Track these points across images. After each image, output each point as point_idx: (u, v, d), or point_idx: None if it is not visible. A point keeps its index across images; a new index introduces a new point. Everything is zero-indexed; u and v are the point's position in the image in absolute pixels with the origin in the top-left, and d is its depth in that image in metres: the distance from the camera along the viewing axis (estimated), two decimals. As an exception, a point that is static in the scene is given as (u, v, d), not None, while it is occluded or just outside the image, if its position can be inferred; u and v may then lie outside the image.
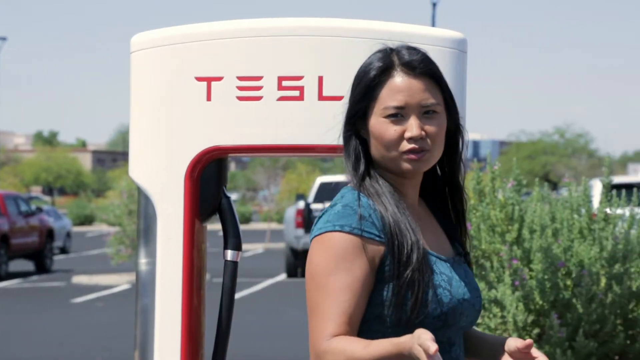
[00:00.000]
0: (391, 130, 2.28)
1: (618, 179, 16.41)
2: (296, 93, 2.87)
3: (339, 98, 2.86)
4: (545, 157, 61.67)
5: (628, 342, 5.14)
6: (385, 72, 2.31)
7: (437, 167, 2.39)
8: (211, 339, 2.94)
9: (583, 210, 5.32)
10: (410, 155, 2.28)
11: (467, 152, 2.43)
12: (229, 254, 2.92)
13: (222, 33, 2.91)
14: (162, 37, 2.92)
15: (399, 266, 2.23)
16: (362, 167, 2.32)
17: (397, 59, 2.31)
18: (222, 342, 2.93)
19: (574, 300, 5.05)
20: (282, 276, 19.64)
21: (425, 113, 2.29)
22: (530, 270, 5.15)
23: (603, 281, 5.09)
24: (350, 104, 2.35)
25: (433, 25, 24.43)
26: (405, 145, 2.28)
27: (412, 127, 2.27)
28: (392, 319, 2.24)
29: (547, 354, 4.98)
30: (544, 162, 61.07)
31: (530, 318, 5.03)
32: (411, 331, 2.15)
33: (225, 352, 2.94)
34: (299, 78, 2.87)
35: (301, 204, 19.28)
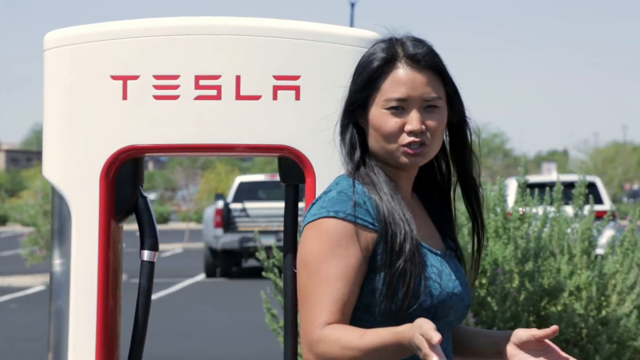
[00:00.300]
0: (392, 122, 2.26)
1: (532, 179, 16.71)
2: (214, 92, 2.86)
3: (257, 97, 2.85)
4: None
5: (542, 339, 5.23)
6: (388, 63, 2.28)
7: (442, 162, 2.39)
8: (127, 340, 2.91)
9: (498, 210, 5.39)
10: (409, 148, 2.26)
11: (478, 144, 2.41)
12: (146, 254, 2.90)
13: (138, 31, 2.88)
14: (76, 35, 2.89)
15: (391, 255, 2.20)
16: (357, 155, 2.30)
17: (401, 50, 2.29)
18: (138, 343, 2.90)
19: (488, 299, 5.12)
20: (201, 276, 19.54)
21: (426, 107, 2.27)
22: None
23: (517, 279, 5.17)
24: (351, 93, 2.32)
25: (351, 25, 24.53)
26: (405, 138, 2.26)
27: (413, 120, 2.25)
28: (382, 309, 2.21)
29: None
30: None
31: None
32: (400, 322, 2.13)
33: (141, 354, 2.91)
34: (217, 77, 2.86)
35: (220, 204, 19.20)
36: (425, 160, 2.30)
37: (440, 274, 2.25)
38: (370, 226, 2.21)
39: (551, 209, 5.57)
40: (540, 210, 5.55)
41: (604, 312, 5.29)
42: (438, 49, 2.33)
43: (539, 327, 5.21)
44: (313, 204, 2.26)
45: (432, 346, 1.98)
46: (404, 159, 2.27)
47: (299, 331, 2.24)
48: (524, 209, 5.37)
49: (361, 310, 2.22)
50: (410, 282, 2.19)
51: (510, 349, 2.27)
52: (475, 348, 2.39)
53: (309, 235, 2.22)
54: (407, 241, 2.21)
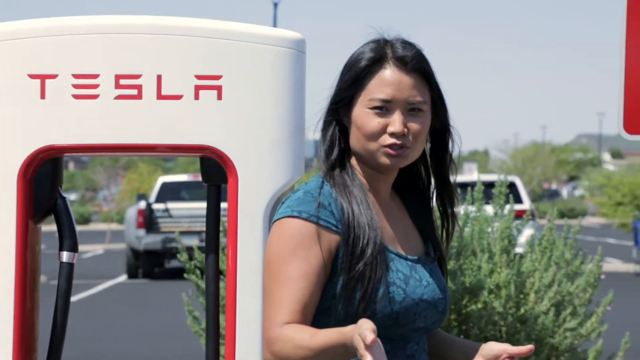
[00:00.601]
0: (374, 122, 2.25)
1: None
2: (134, 92, 2.83)
3: (178, 97, 2.83)
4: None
5: (462, 336, 5.28)
6: (376, 63, 2.28)
7: (421, 166, 2.39)
8: (46, 343, 2.87)
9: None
10: (389, 150, 2.25)
11: (457, 151, 2.41)
12: (64, 256, 2.86)
13: (56, 29, 2.84)
14: (-7, 32, 2.83)
15: (351, 259, 2.20)
16: (334, 155, 2.29)
17: (390, 51, 2.28)
18: (57, 346, 2.86)
19: (411, 298, 5.15)
20: (123, 277, 19.36)
21: (410, 110, 2.27)
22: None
23: (439, 278, 5.21)
24: (336, 91, 2.31)
25: (275, 25, 24.51)
26: (386, 139, 2.25)
27: (396, 122, 2.25)
28: (340, 313, 2.21)
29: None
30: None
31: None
32: None
33: (59, 357, 2.88)
34: (137, 77, 2.83)
35: (142, 204, 19.03)
36: (404, 163, 2.29)
37: (407, 280, 2.24)
38: (334, 228, 2.21)
39: (472, 209, 5.63)
40: (461, 210, 5.61)
41: (522, 310, 5.36)
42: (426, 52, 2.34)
43: (460, 325, 5.27)
44: (282, 202, 2.26)
45: (367, 346, 1.97)
46: (384, 160, 2.26)
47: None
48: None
49: (322, 313, 2.22)
50: (367, 286, 2.19)
51: None
52: (450, 356, 2.40)
53: (273, 235, 2.23)
54: (369, 245, 2.20)
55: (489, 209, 5.72)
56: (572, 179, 71.82)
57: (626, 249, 23.80)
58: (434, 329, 2.34)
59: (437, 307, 2.29)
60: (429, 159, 2.38)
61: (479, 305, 5.24)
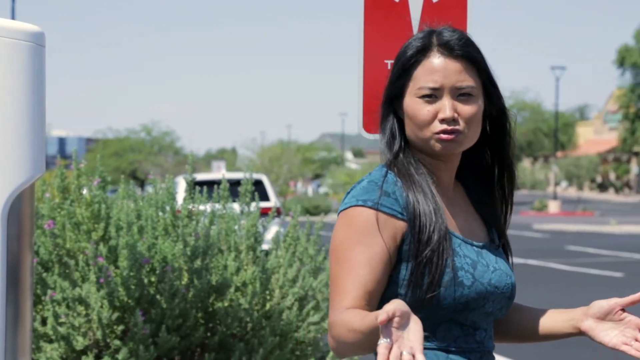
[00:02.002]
0: (424, 110, 2.25)
1: (202, 176, 16.89)
2: None
3: None
4: (132, 154, 61.96)
5: (209, 334, 5.30)
6: (422, 51, 2.26)
7: (485, 153, 2.36)
8: None
9: (168, 207, 5.40)
10: (442, 135, 2.24)
11: (515, 136, 2.38)
12: None
13: None
14: None
15: (418, 245, 2.19)
16: (396, 146, 2.29)
17: (436, 39, 2.27)
18: None
19: (158, 297, 5.12)
20: None
21: (460, 95, 2.25)
22: (117, 267, 5.15)
23: (186, 276, 5.20)
24: (388, 84, 2.31)
25: (13, 18, 23.66)
26: (437, 126, 2.24)
27: (445, 108, 2.23)
28: (410, 300, 2.18)
29: (130, 350, 5.01)
30: (131, 159, 61.33)
31: (115, 315, 5.03)
32: (428, 313, 2.16)
33: None
34: None
35: None
36: (459, 148, 2.28)
37: (474, 265, 2.24)
38: (399, 215, 2.21)
39: (219, 207, 5.66)
40: (209, 208, 5.62)
41: (267, 306, 5.44)
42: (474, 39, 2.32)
43: (206, 323, 5.29)
44: (347, 193, 2.27)
45: (383, 325, 1.89)
46: (437, 146, 2.26)
47: None
48: (192, 207, 5.42)
49: (388, 300, 2.15)
50: (435, 272, 2.18)
51: (590, 322, 2.31)
52: (551, 328, 2.39)
53: (339, 223, 2.23)
54: (435, 232, 2.20)
55: (236, 207, 5.76)
56: (317, 176, 73.52)
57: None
58: (501, 316, 2.33)
59: (505, 293, 2.28)
60: (489, 144, 2.38)
61: (226, 303, 5.27)
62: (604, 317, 2.31)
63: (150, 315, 5.09)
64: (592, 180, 79.66)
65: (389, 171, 2.27)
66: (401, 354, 1.86)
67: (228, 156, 71.05)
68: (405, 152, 2.32)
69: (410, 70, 2.28)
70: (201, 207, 5.53)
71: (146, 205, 5.43)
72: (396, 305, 1.90)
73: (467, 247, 2.27)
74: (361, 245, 2.19)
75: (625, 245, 24.71)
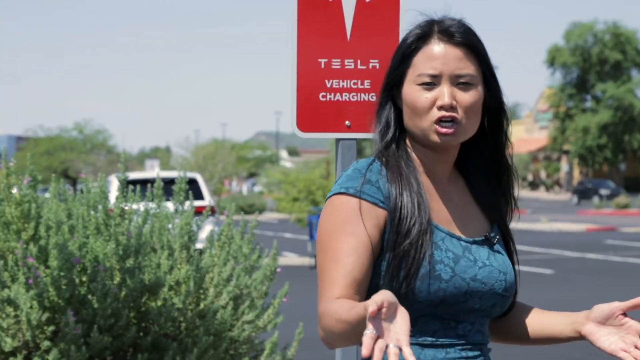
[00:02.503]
0: (422, 97, 2.21)
1: (135, 175, 16.77)
2: None
3: None
4: (64, 153, 61.27)
5: (141, 334, 5.26)
6: (422, 39, 2.23)
7: (484, 148, 2.31)
8: None
9: (100, 206, 5.35)
10: (440, 127, 2.20)
11: (509, 131, 2.32)
12: None
13: None
14: None
15: (396, 237, 2.17)
16: (389, 135, 2.26)
17: (436, 27, 2.24)
18: None
19: (89, 296, 5.07)
20: None
21: (459, 84, 2.21)
22: (47, 267, 5.09)
23: (118, 276, 5.16)
24: (388, 71, 2.26)
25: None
26: (435, 113, 2.20)
27: (444, 95, 2.20)
28: (379, 286, 2.18)
29: (61, 351, 4.95)
30: (62, 158, 60.64)
31: (46, 316, 4.97)
32: (406, 305, 2.10)
33: None
34: None
35: None
36: (457, 140, 2.23)
37: (457, 260, 2.20)
38: (380, 204, 2.19)
39: (153, 205, 5.62)
40: (142, 207, 5.58)
41: (201, 305, 5.42)
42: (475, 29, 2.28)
43: (139, 322, 5.25)
44: (335, 181, 2.25)
45: (371, 317, 1.85)
46: (434, 137, 2.22)
47: None
48: (125, 206, 5.38)
49: (372, 291, 2.17)
50: (412, 265, 2.15)
51: (590, 326, 2.26)
52: (552, 331, 2.35)
53: (324, 212, 2.21)
54: (416, 225, 2.17)
55: (170, 206, 5.73)
56: (251, 175, 73.40)
57: (302, 243, 24.61)
58: (497, 313, 2.28)
59: (495, 290, 2.23)
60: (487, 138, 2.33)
61: (159, 303, 5.24)
62: (605, 321, 2.26)
63: (81, 315, 5.04)
64: (524, 179, 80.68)
65: (377, 161, 2.25)
66: (387, 346, 1.84)
67: (162, 155, 70.59)
68: (399, 143, 2.29)
69: (409, 57, 2.25)
70: (134, 206, 5.49)
71: (77, 204, 5.37)
72: (384, 296, 1.87)
73: (452, 241, 2.24)
74: (345, 233, 2.17)
75: (556, 243, 25.06)
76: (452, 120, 2.21)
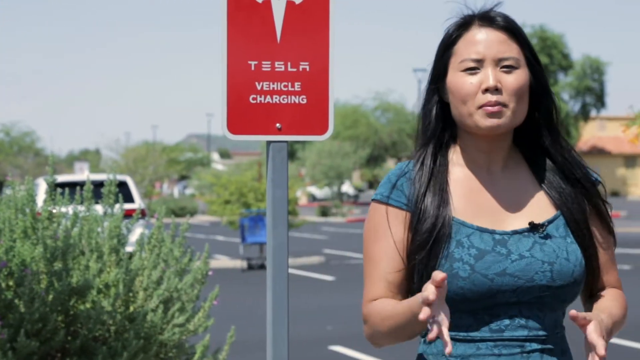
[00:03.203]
0: (467, 82, 2.22)
1: (64, 178, 16.59)
2: None
3: None
4: (-9, 155, 60.31)
5: (69, 338, 5.20)
6: (462, 26, 2.26)
7: (541, 136, 2.29)
8: None
9: (27, 210, 5.29)
10: (486, 108, 2.20)
11: (560, 117, 2.29)
12: None
13: None
14: None
15: (415, 235, 2.23)
16: (431, 130, 2.29)
17: (476, 14, 2.27)
18: None
19: (16, 301, 5.00)
20: None
21: (503, 67, 2.21)
22: (-28, 271, 5.01)
23: (45, 279, 5.10)
24: (433, 64, 2.27)
25: None
26: (481, 98, 2.20)
27: (488, 77, 2.20)
28: (413, 288, 2.25)
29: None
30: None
31: (-28, 321, 4.89)
32: None
33: None
34: None
35: None
36: (505, 123, 2.21)
37: (481, 255, 2.19)
38: (404, 207, 2.27)
39: (82, 208, 5.57)
40: (71, 210, 5.53)
41: (131, 309, 5.38)
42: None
43: (67, 326, 5.18)
44: None
45: (428, 304, 1.98)
46: (481, 121, 2.21)
47: None
48: (53, 209, 5.32)
49: (414, 291, 2.25)
50: (428, 264, 2.21)
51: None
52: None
53: (366, 218, 2.33)
54: (433, 224, 2.22)
55: (99, 209, 5.68)
56: (183, 178, 72.98)
57: (234, 246, 24.56)
58: (556, 305, 2.23)
59: (536, 281, 2.20)
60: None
61: (88, 305, 5.19)
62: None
63: (7, 320, 4.97)
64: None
65: (408, 163, 2.32)
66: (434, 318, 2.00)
67: (91, 157, 69.88)
68: (444, 137, 2.31)
69: (451, 45, 2.27)
70: (63, 209, 5.44)
71: (4, 207, 5.30)
72: (437, 282, 2.00)
73: (481, 236, 2.23)
74: (378, 238, 2.28)
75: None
76: (498, 103, 2.21)
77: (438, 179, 2.27)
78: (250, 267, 20.25)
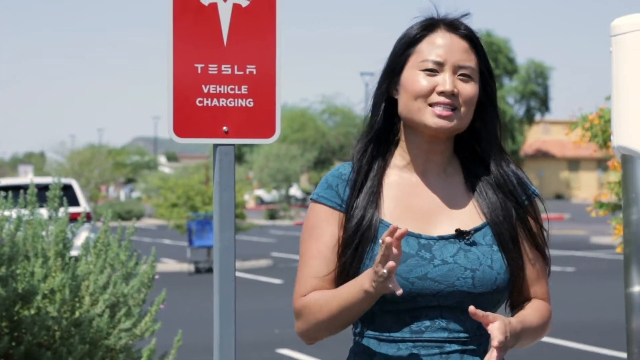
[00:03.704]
0: (424, 81, 2.26)
1: (7, 181, 16.40)
2: None
3: None
4: None
5: (14, 344, 5.15)
6: (428, 27, 2.31)
7: (479, 144, 2.33)
8: None
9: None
10: (437, 109, 2.24)
11: (503, 134, 2.34)
12: None
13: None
14: None
15: (345, 236, 2.30)
16: (377, 125, 2.33)
17: (441, 20, 2.32)
18: None
19: (-40, 306, 4.93)
20: None
21: (461, 75, 2.27)
22: None
23: (-11, 285, 5.04)
24: (390, 59, 2.29)
25: None
26: (435, 98, 2.25)
27: (446, 82, 2.24)
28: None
29: None
30: None
31: None
32: None
33: None
34: None
35: None
36: (453, 125, 2.26)
37: (404, 259, 2.23)
38: (337, 207, 2.32)
39: (26, 212, 5.51)
40: (14, 214, 5.47)
41: (77, 314, 5.33)
42: None
43: (11, 332, 5.13)
44: None
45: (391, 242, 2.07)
46: (429, 119, 2.26)
47: None
48: (-4, 213, 5.26)
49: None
50: (353, 264, 2.28)
51: None
52: None
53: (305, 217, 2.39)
54: (360, 225, 2.28)
55: (44, 212, 5.63)
56: (129, 181, 72.49)
57: (181, 249, 24.45)
58: (472, 307, 2.21)
59: (457, 287, 2.24)
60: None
61: (32, 311, 5.13)
62: None
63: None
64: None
65: (345, 164, 2.38)
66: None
67: (36, 160, 69.14)
68: (387, 135, 2.36)
69: (414, 44, 2.32)
70: (6, 213, 5.38)
71: (-54, 211, 5.23)
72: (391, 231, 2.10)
73: (406, 240, 2.26)
74: (312, 237, 2.34)
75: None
76: (451, 106, 2.27)
77: (372, 181, 2.33)
78: (198, 270, 20.17)
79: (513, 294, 2.37)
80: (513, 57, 71.10)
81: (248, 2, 3.46)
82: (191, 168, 49.20)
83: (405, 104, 2.30)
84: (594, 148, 7.15)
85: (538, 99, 71.96)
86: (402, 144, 2.36)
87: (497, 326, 2.15)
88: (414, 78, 2.29)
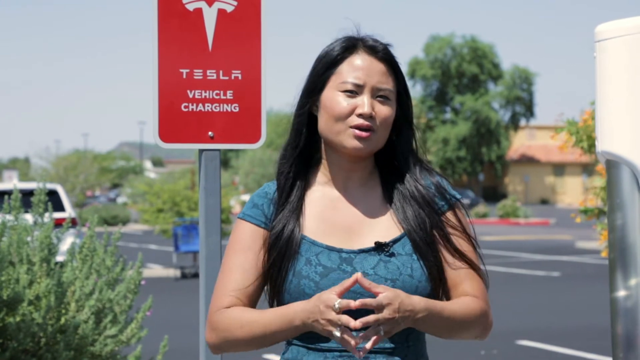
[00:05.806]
0: (344, 103, 2.34)
1: (-7, 187, 16.32)
2: None
3: None
4: None
5: (-1, 350, 5.13)
6: (348, 49, 2.38)
7: (396, 160, 2.42)
8: None
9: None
10: (356, 130, 2.33)
11: (419, 144, 2.45)
12: None
13: None
14: None
15: (268, 252, 2.37)
16: (300, 143, 2.40)
17: (361, 42, 2.39)
18: None
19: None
20: None
21: (378, 97, 2.35)
22: None
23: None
24: (310, 79, 2.39)
25: None
26: (354, 120, 2.33)
27: (364, 104, 2.33)
28: (268, 302, 2.39)
29: None
30: None
31: None
32: None
33: None
34: None
35: None
36: (369, 147, 2.35)
37: (326, 273, 2.32)
38: (262, 225, 2.40)
39: (10, 218, 5.49)
40: (-1, 219, 5.45)
41: (62, 320, 5.31)
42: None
43: (-2, 338, 5.10)
44: None
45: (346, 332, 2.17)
46: (350, 142, 2.34)
47: None
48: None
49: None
50: (277, 280, 2.35)
51: None
52: None
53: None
54: (283, 243, 2.36)
55: (29, 218, 5.60)
56: (115, 186, 72.31)
57: (167, 255, 24.40)
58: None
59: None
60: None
61: (18, 318, 5.11)
62: None
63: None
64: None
65: (272, 182, 2.46)
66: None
67: (20, 166, 68.91)
68: (309, 151, 2.43)
69: (335, 65, 2.39)
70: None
71: None
72: (334, 291, 2.20)
73: (329, 255, 2.35)
74: (235, 252, 2.41)
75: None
76: (369, 129, 2.35)
77: (294, 198, 2.41)
78: (184, 275, 20.13)
79: (444, 299, 2.43)
80: (498, 62, 71.24)
81: (233, 8, 3.46)
82: (177, 173, 49.13)
83: (326, 123, 2.38)
84: (579, 153, 7.17)
85: (523, 104, 72.13)
86: (324, 162, 2.44)
87: (386, 294, 2.21)
88: (334, 99, 2.37)
